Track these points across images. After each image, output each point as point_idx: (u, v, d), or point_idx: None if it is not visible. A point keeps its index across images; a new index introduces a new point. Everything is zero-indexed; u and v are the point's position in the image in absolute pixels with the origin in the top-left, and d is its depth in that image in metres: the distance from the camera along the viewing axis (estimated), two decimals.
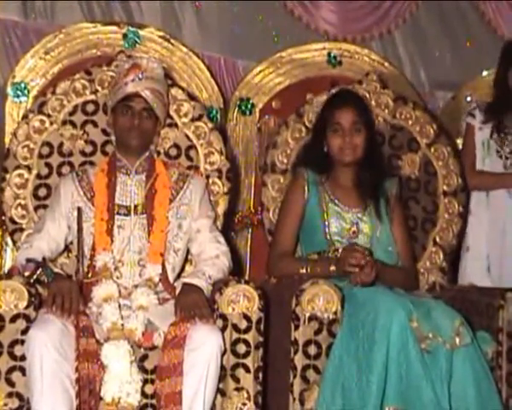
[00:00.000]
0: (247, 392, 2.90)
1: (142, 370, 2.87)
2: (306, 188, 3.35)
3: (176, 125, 3.46)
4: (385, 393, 2.82)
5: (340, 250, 3.24)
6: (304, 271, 3.19)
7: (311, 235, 3.34)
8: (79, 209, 3.10)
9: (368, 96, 3.66)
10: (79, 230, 3.06)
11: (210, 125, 3.49)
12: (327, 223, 3.31)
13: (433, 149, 3.69)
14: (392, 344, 2.82)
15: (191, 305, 2.85)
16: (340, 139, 3.32)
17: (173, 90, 3.47)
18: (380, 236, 3.33)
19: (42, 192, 3.36)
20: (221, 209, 3.44)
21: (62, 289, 2.81)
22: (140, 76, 3.14)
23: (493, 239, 3.81)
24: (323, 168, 3.38)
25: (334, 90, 3.61)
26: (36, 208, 3.35)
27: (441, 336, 2.87)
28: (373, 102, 3.66)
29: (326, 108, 3.40)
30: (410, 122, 3.70)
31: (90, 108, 3.44)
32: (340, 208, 3.33)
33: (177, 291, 3.00)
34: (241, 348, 2.90)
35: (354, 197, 3.36)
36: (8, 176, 3.35)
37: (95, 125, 3.43)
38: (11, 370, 2.80)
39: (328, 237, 3.29)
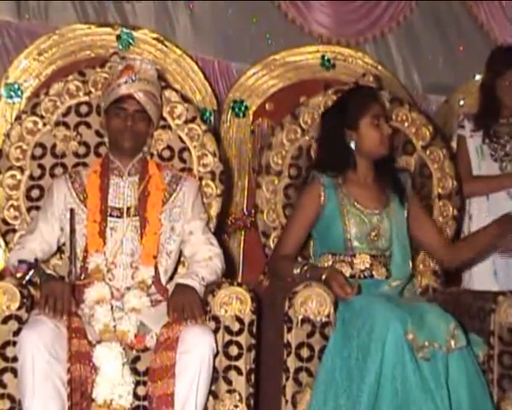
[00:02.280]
0: (240, 394, 2.89)
1: (135, 372, 2.86)
2: (323, 192, 3.29)
3: (169, 127, 3.46)
4: (377, 406, 2.81)
5: (356, 257, 3.25)
6: (297, 271, 3.17)
7: (327, 237, 3.31)
8: (72, 211, 3.09)
9: None
10: (72, 231, 3.06)
11: (203, 127, 3.49)
12: (347, 227, 3.26)
13: (428, 152, 3.69)
14: (387, 358, 2.81)
15: (184, 303, 2.85)
16: (380, 132, 3.28)
17: (167, 92, 3.46)
18: (399, 236, 3.31)
19: (34, 193, 3.36)
20: (214, 211, 3.43)
21: (54, 290, 2.80)
22: (133, 77, 3.13)
23: None
24: (344, 166, 3.32)
25: (351, 86, 3.57)
26: (28, 210, 3.34)
27: (436, 341, 2.87)
28: None
29: (359, 101, 3.32)
30: (406, 124, 3.69)
31: (84, 109, 3.44)
32: (361, 211, 3.28)
33: (170, 292, 3.00)
34: (234, 351, 2.90)
35: (374, 195, 3.32)
36: (0, 177, 3.34)
37: (88, 126, 3.43)
38: (3, 371, 2.80)
39: (348, 243, 3.26)
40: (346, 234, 3.26)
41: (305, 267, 3.16)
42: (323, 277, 3.06)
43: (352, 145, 3.31)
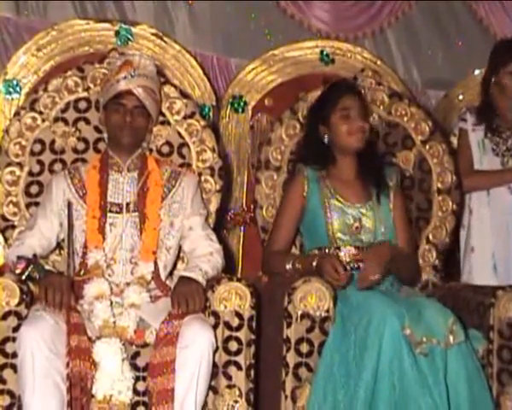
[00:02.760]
0: (239, 390, 2.89)
1: (134, 367, 2.87)
2: (306, 185, 3.32)
3: (168, 123, 3.46)
4: (374, 401, 2.81)
5: (342, 249, 3.24)
6: (289, 266, 3.19)
7: (313, 231, 3.32)
8: (69, 204, 3.08)
9: (363, 92, 3.60)
10: (69, 224, 3.05)
11: (202, 122, 3.49)
12: (329, 220, 3.28)
13: (427, 147, 3.68)
14: (384, 353, 2.81)
15: (187, 295, 2.85)
16: (349, 124, 3.28)
17: (166, 88, 3.46)
18: (385, 231, 3.31)
19: (34, 189, 3.35)
20: (213, 207, 3.43)
21: (53, 283, 2.81)
22: (132, 73, 3.13)
23: (497, 237, 3.81)
24: (325, 162, 3.33)
25: (329, 83, 3.55)
26: (27, 206, 3.34)
27: (435, 336, 2.87)
28: (368, 98, 3.62)
29: (329, 95, 3.35)
30: (406, 119, 3.69)
31: (83, 105, 3.43)
32: (343, 204, 3.30)
33: (173, 284, 3.00)
34: (233, 346, 2.90)
35: (356, 191, 3.33)
36: None
37: (87, 122, 3.43)
38: (2, 367, 2.80)
39: (330, 233, 3.27)
40: (328, 226, 3.27)
41: (296, 261, 3.19)
42: (314, 263, 3.08)
43: (326, 141, 3.32)
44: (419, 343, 2.85)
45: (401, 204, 3.42)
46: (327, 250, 3.26)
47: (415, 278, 3.46)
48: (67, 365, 2.71)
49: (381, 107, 3.68)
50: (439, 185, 3.66)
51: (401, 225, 3.37)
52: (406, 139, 3.69)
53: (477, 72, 4.56)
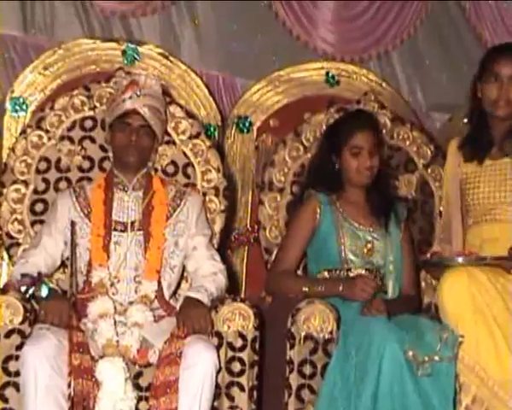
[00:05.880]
0: None
1: (137, 387, 2.86)
2: (319, 208, 3.31)
3: (173, 143, 3.47)
4: None
5: (352, 271, 3.25)
6: (306, 289, 3.18)
7: (324, 253, 3.32)
8: (73, 223, 3.09)
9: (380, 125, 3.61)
10: (73, 243, 3.05)
11: (207, 142, 3.50)
12: (342, 241, 3.28)
13: (429, 170, 3.70)
14: (384, 376, 2.82)
15: (194, 318, 2.86)
16: (359, 162, 3.29)
17: (171, 108, 3.47)
18: (394, 260, 3.32)
19: (39, 207, 3.36)
20: (218, 227, 3.43)
21: (52, 310, 2.80)
22: (138, 93, 3.15)
23: None
24: (335, 187, 3.35)
25: (348, 110, 3.58)
26: (32, 223, 3.35)
27: (436, 354, 2.88)
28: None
29: (344, 128, 3.35)
30: (408, 143, 3.71)
31: (88, 124, 3.45)
32: (355, 227, 3.31)
33: (179, 304, 3.01)
34: (236, 367, 2.90)
35: (367, 215, 3.35)
36: (5, 191, 3.35)
37: (92, 141, 3.44)
38: (5, 386, 2.80)
39: (342, 255, 3.27)
40: (341, 247, 3.28)
41: (313, 283, 3.20)
42: (341, 288, 3.13)
43: (336, 169, 3.34)
44: (422, 363, 2.85)
45: (409, 240, 3.44)
46: (338, 272, 3.27)
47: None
48: (69, 384, 2.71)
49: (384, 131, 3.69)
50: (442, 209, 3.66)
51: (407, 261, 3.39)
52: (408, 163, 3.71)
53: None
